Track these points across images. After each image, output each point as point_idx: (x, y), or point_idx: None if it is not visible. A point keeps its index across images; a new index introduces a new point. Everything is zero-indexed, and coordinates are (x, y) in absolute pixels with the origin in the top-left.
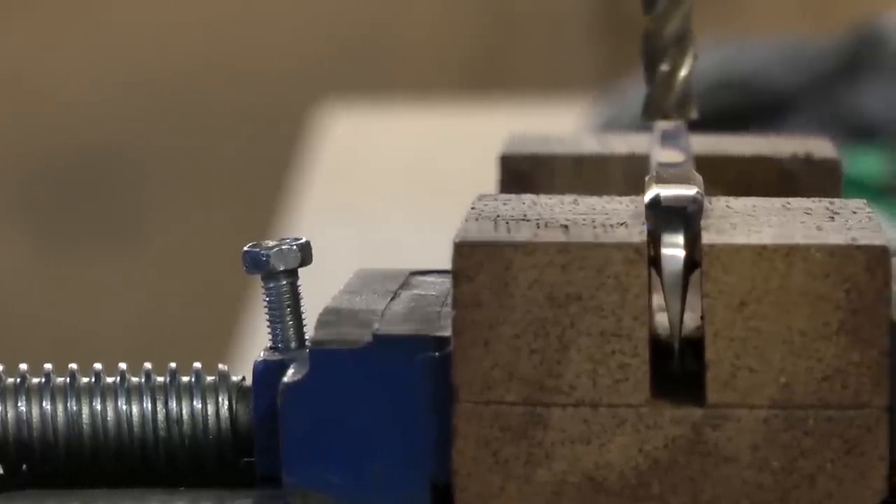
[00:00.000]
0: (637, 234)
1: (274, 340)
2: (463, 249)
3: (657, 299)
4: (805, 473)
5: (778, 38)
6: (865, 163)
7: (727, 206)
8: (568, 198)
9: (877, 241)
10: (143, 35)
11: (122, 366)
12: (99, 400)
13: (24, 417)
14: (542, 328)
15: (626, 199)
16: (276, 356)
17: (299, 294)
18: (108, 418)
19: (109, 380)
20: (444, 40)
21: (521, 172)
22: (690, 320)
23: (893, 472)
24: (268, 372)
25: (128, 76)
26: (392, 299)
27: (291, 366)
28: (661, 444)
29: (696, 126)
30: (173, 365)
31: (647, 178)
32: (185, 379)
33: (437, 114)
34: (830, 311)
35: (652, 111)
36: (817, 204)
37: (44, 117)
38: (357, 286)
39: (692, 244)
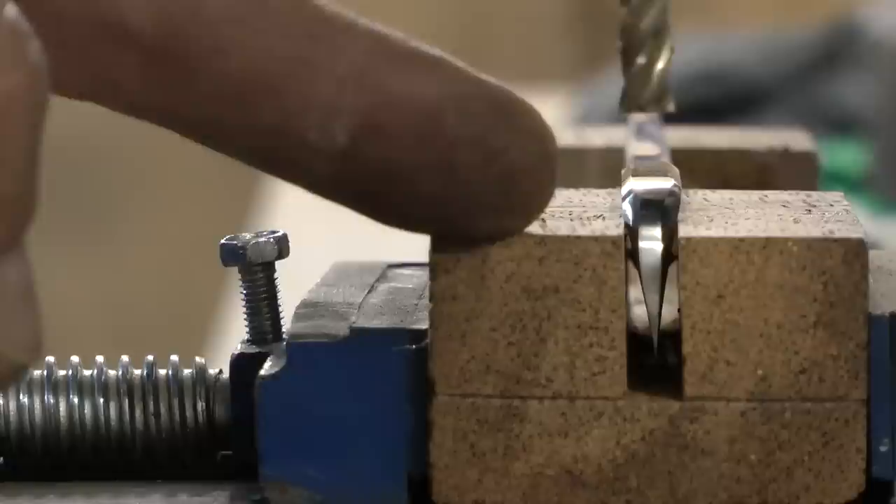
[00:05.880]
0: (614, 226)
1: (251, 333)
2: (439, 242)
3: (634, 292)
4: (782, 466)
5: (756, 31)
6: (843, 155)
7: (704, 198)
8: None
9: (854, 234)
10: None
11: (100, 359)
12: (76, 393)
13: (1, 411)
14: (519, 321)
15: (603, 192)
16: (254, 349)
17: (276, 287)
18: (86, 411)
19: (86, 373)
20: (422, 34)
21: None
22: (668, 313)
23: (870, 465)
24: (245, 365)
25: None
26: (369, 292)
27: (268, 359)
28: (639, 437)
29: (674, 119)
30: (150, 358)
31: (623, 171)
32: (162, 372)
33: None
34: (808, 303)
35: (629, 104)
36: (794, 197)
37: None
38: (334, 279)
39: (669, 237)
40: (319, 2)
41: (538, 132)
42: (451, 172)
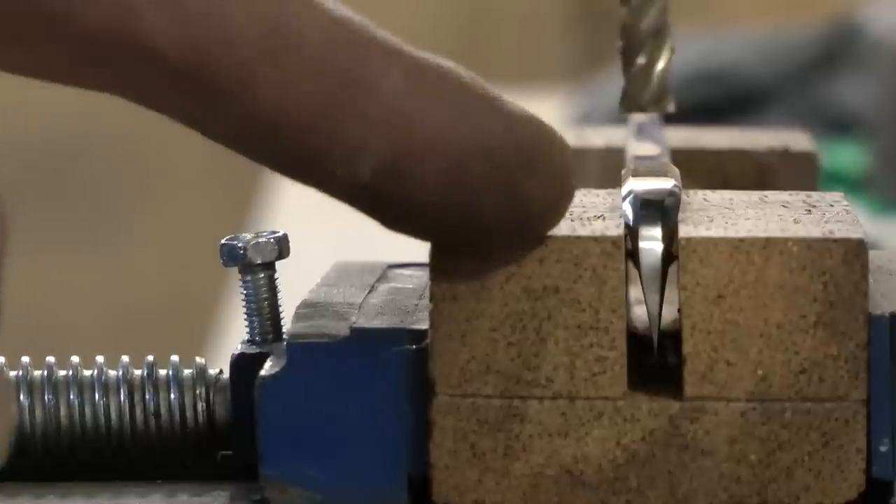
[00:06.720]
0: (614, 227)
1: (251, 333)
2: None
3: (634, 292)
4: (782, 466)
5: (756, 31)
6: (843, 155)
7: (704, 199)
8: None
9: (854, 234)
10: None
11: (100, 359)
12: (76, 393)
13: None
14: (520, 321)
15: (603, 192)
16: (254, 349)
17: (277, 287)
18: (86, 411)
19: (86, 373)
20: (422, 34)
21: None
22: (668, 313)
23: (870, 465)
24: (245, 365)
25: None
26: (369, 292)
27: (269, 359)
28: (639, 437)
29: (674, 119)
30: (150, 358)
31: (623, 171)
32: (162, 372)
33: None
34: (808, 304)
35: (629, 104)
36: (794, 197)
37: (13, 109)
38: (334, 279)
39: (670, 237)
40: (357, 29)
41: (559, 174)
42: (470, 211)
